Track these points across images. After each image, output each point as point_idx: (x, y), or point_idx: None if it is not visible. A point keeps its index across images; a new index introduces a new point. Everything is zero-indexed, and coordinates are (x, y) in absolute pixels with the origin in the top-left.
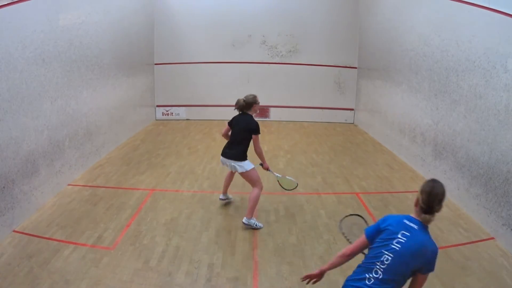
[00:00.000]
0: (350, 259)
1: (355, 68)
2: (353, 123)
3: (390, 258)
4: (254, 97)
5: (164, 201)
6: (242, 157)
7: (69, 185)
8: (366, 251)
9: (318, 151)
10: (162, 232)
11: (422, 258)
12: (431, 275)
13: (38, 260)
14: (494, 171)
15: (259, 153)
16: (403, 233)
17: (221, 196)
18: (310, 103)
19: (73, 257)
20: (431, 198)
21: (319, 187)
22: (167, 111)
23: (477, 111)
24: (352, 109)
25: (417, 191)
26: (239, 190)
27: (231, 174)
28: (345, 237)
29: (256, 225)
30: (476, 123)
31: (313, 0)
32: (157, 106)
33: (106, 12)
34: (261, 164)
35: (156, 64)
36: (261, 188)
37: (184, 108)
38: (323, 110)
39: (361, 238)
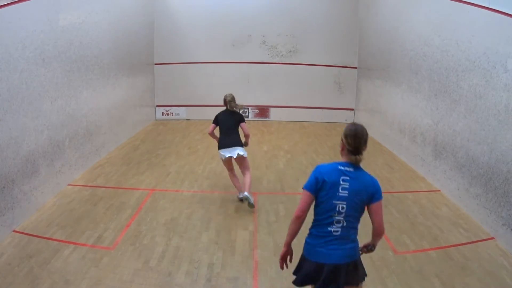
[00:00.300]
0: (304, 219)
1: (355, 68)
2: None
3: (344, 205)
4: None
5: (164, 201)
6: (242, 143)
7: (69, 185)
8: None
9: (318, 151)
10: (162, 232)
11: (369, 190)
12: (431, 275)
13: (38, 260)
14: (494, 171)
15: (249, 136)
16: (344, 179)
17: (240, 196)
18: (310, 103)
19: (73, 257)
20: (357, 140)
21: None
22: (167, 111)
23: (477, 111)
24: (352, 109)
25: (417, 191)
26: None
27: (232, 169)
28: None
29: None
30: (476, 123)
31: (313, 0)
32: (157, 106)
33: (106, 12)
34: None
35: (156, 64)
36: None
37: (184, 108)
38: (323, 110)
39: (305, 196)
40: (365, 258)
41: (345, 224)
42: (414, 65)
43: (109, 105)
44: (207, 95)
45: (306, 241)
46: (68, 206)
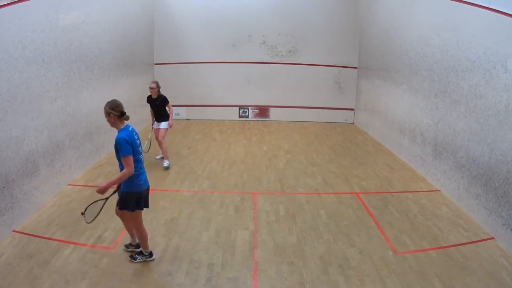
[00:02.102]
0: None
1: (355, 68)
2: (353, 123)
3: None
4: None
5: (164, 201)
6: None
7: (69, 185)
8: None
9: (318, 151)
10: (162, 232)
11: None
12: (431, 275)
13: (38, 260)
14: (494, 171)
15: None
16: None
17: (158, 157)
18: (310, 103)
19: (73, 257)
20: (122, 107)
21: (319, 187)
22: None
23: (477, 111)
24: (352, 109)
25: (417, 191)
26: (239, 190)
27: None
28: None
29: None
30: (476, 123)
31: (313, 0)
32: None
33: (105, 12)
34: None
35: (156, 64)
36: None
37: (184, 108)
38: (323, 110)
39: (129, 158)
40: (365, 258)
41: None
42: (414, 65)
43: None
44: (207, 95)
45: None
46: (68, 206)
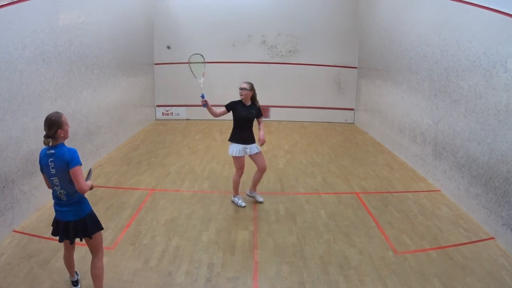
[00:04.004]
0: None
1: (355, 68)
2: (353, 123)
3: (56, 179)
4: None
5: (164, 201)
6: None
7: None
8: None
9: (318, 151)
10: (162, 232)
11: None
12: (431, 275)
13: (38, 260)
14: (494, 171)
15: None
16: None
17: (248, 193)
18: (310, 103)
19: None
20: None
21: (319, 187)
22: (167, 111)
23: (477, 111)
24: (352, 109)
25: (417, 191)
26: (239, 190)
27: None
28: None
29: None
30: (476, 123)
31: (313, 0)
32: (157, 106)
33: (106, 12)
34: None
35: (156, 64)
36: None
37: (184, 108)
38: (323, 110)
39: (43, 176)
40: (365, 258)
41: (64, 192)
42: (414, 65)
43: (109, 105)
44: (207, 95)
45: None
46: None
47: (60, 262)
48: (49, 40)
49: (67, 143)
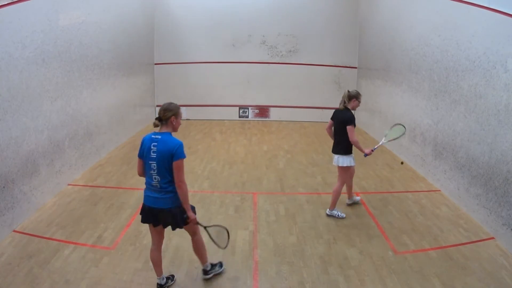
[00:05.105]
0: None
1: (355, 68)
2: None
3: (155, 164)
4: (358, 92)
5: None
6: (343, 151)
7: (69, 185)
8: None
9: (318, 151)
10: None
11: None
12: (431, 275)
13: (38, 260)
14: (494, 171)
15: (354, 143)
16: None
17: (348, 201)
18: (310, 103)
19: (73, 257)
20: (160, 109)
21: (319, 187)
22: None
23: (477, 111)
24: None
25: (417, 191)
26: (239, 190)
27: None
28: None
29: (338, 215)
30: (476, 123)
31: (313, 0)
32: (157, 106)
33: (106, 12)
34: (365, 155)
35: (156, 64)
36: (343, 183)
37: (184, 108)
38: (323, 110)
39: (138, 162)
40: (365, 258)
41: (158, 178)
42: (414, 65)
43: (109, 105)
44: (207, 95)
45: None
46: (68, 206)
47: (60, 262)
48: (49, 40)
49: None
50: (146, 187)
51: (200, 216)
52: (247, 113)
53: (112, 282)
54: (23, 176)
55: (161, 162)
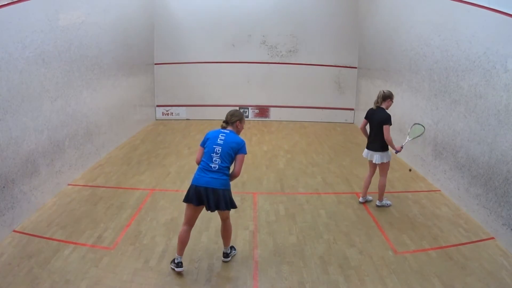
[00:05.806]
0: (198, 163)
1: (355, 68)
2: (353, 123)
3: (220, 148)
4: (391, 92)
5: (164, 201)
6: (382, 148)
7: (69, 185)
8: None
9: (318, 151)
10: (162, 232)
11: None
12: (431, 275)
13: (38, 260)
14: (494, 171)
15: (389, 141)
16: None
17: (361, 199)
18: (310, 103)
19: (73, 257)
20: (227, 114)
21: (319, 187)
22: (167, 111)
23: (477, 111)
24: (352, 109)
25: (417, 191)
26: (239, 190)
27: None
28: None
29: (387, 204)
30: (476, 123)
31: (313, 0)
32: (157, 106)
33: (106, 12)
34: (396, 152)
35: (156, 64)
36: (386, 176)
37: (184, 108)
38: (323, 110)
39: (199, 150)
40: (365, 258)
41: (218, 161)
42: (414, 65)
43: (109, 105)
44: (207, 95)
45: None
46: (68, 206)
47: (60, 262)
48: (49, 40)
49: None
50: (202, 169)
51: (200, 216)
52: (247, 113)
53: (112, 282)
54: (23, 176)
55: (225, 148)
